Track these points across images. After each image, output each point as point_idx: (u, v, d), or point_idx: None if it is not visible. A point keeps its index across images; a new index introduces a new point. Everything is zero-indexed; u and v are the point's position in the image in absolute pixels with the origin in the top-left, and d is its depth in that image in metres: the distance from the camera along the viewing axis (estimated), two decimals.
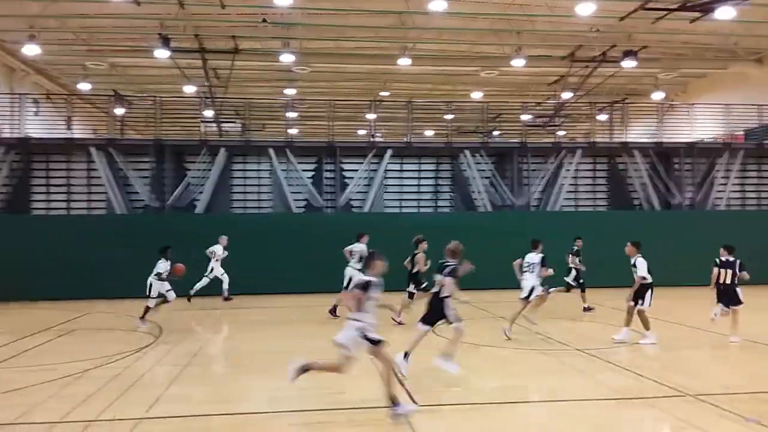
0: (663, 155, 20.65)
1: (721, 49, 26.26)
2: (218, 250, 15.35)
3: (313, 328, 11.11)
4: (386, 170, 19.58)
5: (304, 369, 6.02)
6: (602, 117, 26.38)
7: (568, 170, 20.11)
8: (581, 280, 13.97)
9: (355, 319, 5.83)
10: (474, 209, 19.52)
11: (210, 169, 18.78)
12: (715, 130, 23.10)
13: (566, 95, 27.20)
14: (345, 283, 12.25)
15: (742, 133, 23.00)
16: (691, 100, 27.10)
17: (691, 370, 7.77)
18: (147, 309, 11.65)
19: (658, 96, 30.08)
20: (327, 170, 19.58)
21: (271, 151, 19.02)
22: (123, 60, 25.41)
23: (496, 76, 28.45)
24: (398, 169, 20.08)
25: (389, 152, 19.46)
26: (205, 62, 22.34)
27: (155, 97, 21.08)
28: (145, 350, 9.40)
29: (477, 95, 30.95)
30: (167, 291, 11.73)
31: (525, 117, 25.67)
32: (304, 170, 19.39)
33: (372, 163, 19.50)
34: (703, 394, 6.49)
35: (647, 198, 20.19)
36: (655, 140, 21.71)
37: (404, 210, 19.80)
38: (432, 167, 20.39)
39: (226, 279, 15.46)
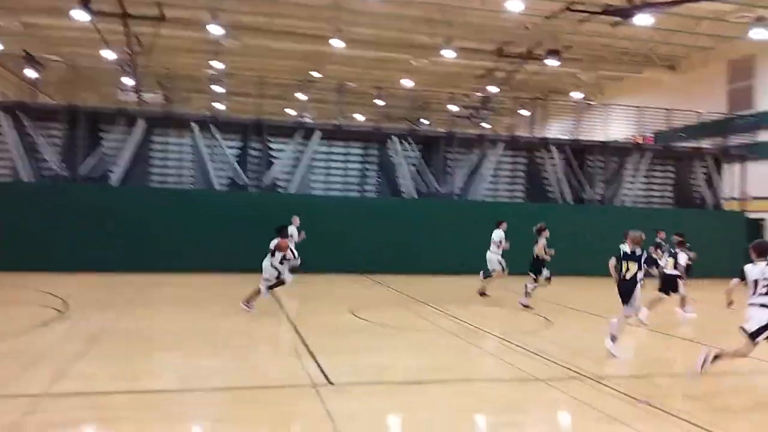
0: (578, 152, 21.65)
1: (637, 54, 27.74)
2: None
3: (226, 307, 10.96)
4: (314, 152, 19.51)
5: (716, 357, 6.18)
6: (524, 112, 27.30)
7: (490, 162, 20.74)
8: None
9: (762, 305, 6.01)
10: (399, 195, 19.84)
11: (127, 140, 18.05)
12: (627, 131, 24.39)
13: (493, 89, 27.96)
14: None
15: (651, 134, 24.43)
16: (607, 101, 28.48)
17: (596, 356, 8.22)
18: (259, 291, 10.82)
19: (577, 95, 31.44)
20: (253, 148, 19.25)
21: (195, 125, 18.48)
22: (38, 20, 23.86)
23: (427, 65, 28.81)
24: (326, 151, 20.02)
25: (318, 134, 19.39)
26: (128, 28, 21.34)
27: (71, 61, 19.96)
28: (52, 325, 9.00)
29: (407, 83, 31.26)
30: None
31: (453, 107, 26.19)
32: (229, 147, 18.98)
33: (300, 143, 19.36)
34: (604, 377, 6.91)
35: (561, 192, 21.14)
36: (571, 137, 22.70)
37: (330, 193, 19.81)
38: (360, 151, 20.46)
39: None
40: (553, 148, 21.22)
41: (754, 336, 6.23)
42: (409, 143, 20.19)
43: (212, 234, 16.94)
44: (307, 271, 14.80)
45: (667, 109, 23.58)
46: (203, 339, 8.57)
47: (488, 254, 14.03)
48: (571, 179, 21.36)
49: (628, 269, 8.16)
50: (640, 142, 22.39)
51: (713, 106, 24.98)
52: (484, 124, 29.49)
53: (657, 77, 29.23)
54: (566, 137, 23.10)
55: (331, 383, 6.25)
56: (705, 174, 22.69)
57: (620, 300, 8.28)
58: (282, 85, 26.55)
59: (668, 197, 22.64)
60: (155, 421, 5.22)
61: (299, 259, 14.62)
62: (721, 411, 5.90)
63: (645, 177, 22.18)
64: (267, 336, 9.38)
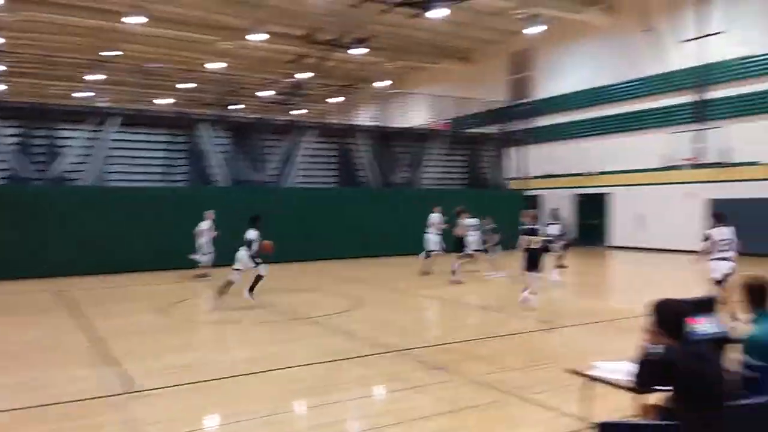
0: (384, 138, 22.93)
1: (434, 45, 29.90)
2: None
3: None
4: (112, 139, 18.14)
5: None
6: (335, 99, 28.06)
7: (303, 148, 21.12)
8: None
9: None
10: (211, 183, 19.37)
11: None
12: (427, 118, 26.33)
13: (304, 75, 28.27)
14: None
15: (447, 121, 26.67)
16: (409, 89, 30.39)
17: (400, 330, 9.00)
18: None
19: (382, 83, 33.03)
20: (36, 136, 17.33)
21: None
22: None
23: (235, 48, 28.19)
24: (126, 138, 18.72)
25: (116, 119, 18.08)
26: None
27: None
28: None
29: (216, 66, 30.29)
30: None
31: (265, 93, 26.03)
32: (6, 135, 16.91)
33: (94, 130, 17.88)
34: (406, 349, 7.56)
35: (371, 176, 22.29)
36: (378, 124, 23.94)
37: (134, 184, 18.64)
38: (165, 138, 19.51)
39: None
40: (362, 134, 22.23)
41: (719, 282, 8.81)
42: (220, 129, 19.78)
43: None
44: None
45: (459, 98, 25.86)
46: None
47: (428, 236, 15.19)
48: (379, 164, 22.59)
49: (530, 241, 10.38)
50: (437, 128, 24.31)
51: (498, 95, 28.00)
52: (296, 111, 29.78)
53: (451, 67, 31.85)
54: (374, 124, 24.30)
55: (135, 390, 5.97)
56: (492, 157, 25.45)
57: (528, 267, 10.41)
58: (70, 65, 24.21)
59: (462, 178, 24.99)
60: None
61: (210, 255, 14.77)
62: (504, 369, 6.77)
63: (442, 160, 24.22)
64: (64, 344, 8.49)
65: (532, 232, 10.66)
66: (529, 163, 26.04)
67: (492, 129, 25.86)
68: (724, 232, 9.52)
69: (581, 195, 25.70)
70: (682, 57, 17.60)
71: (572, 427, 4.70)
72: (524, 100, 27.86)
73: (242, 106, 26.51)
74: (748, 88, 19.86)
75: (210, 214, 15.15)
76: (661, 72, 19.43)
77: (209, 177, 19.39)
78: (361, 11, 23.24)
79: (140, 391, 5.97)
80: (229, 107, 25.34)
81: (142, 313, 10.50)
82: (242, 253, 10.78)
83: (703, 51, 17.10)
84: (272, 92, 27.65)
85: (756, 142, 19.41)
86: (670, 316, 3.43)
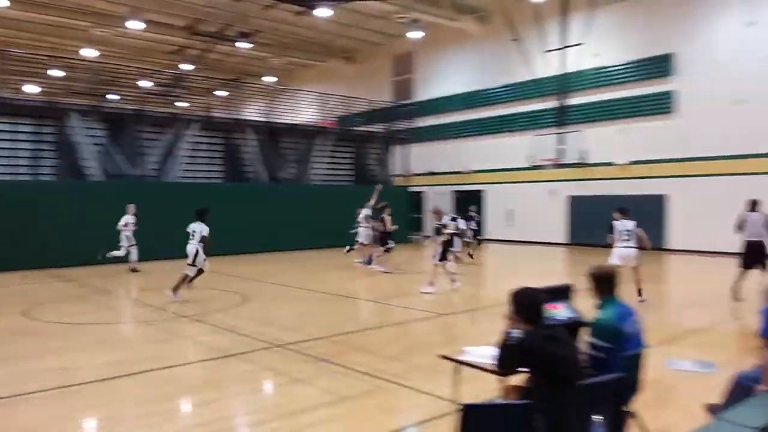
0: (271, 134, 22.74)
1: (320, 44, 30.01)
2: None
3: None
4: None
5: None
6: (220, 93, 27.36)
7: (186, 142, 20.43)
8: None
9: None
10: (84, 177, 18.22)
11: None
12: (314, 115, 26.43)
13: (186, 67, 27.29)
14: None
15: (334, 119, 26.91)
16: (297, 86, 30.28)
17: (285, 324, 9.06)
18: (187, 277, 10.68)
19: (269, 79, 32.65)
20: None
21: None
22: None
23: (111, 36, 26.66)
24: None
25: None
26: None
27: None
28: None
29: (90, 53, 28.42)
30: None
31: (144, 84, 24.82)
32: None
33: None
34: (290, 343, 7.63)
35: (258, 171, 22.01)
36: (265, 119, 23.67)
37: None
38: (31, 129, 18.09)
39: None
40: (249, 129, 21.88)
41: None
42: (93, 120, 18.66)
43: None
44: None
45: (345, 96, 26.20)
46: None
47: (359, 229, 16.06)
48: (266, 160, 22.36)
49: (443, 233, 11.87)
50: (325, 125, 24.49)
51: (383, 95, 28.72)
52: (179, 103, 28.63)
53: (337, 67, 32.12)
54: (261, 119, 23.98)
55: None
56: (377, 154, 26.03)
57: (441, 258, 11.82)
58: None
59: (349, 175, 25.34)
60: None
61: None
62: (384, 358, 7.08)
63: (329, 157, 24.43)
64: None
65: (443, 227, 12.18)
66: (413, 161, 26.95)
67: (378, 128, 26.44)
68: (627, 225, 10.75)
69: (459, 192, 26.98)
70: (546, 66, 19.07)
71: (445, 410, 5.00)
72: (407, 101, 28.75)
73: (118, 97, 25.04)
74: (602, 96, 21.92)
75: (131, 207, 15.50)
76: (529, 79, 20.91)
77: (81, 170, 18.24)
78: (245, 5, 22.85)
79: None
80: (107, 97, 23.86)
81: (3, 315, 9.75)
82: (192, 247, 10.73)
83: (565, 61, 18.66)
84: (153, 83, 26.39)
85: (609, 144, 21.46)
86: (526, 303, 3.80)
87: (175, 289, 10.80)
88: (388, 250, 15.37)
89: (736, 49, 18.85)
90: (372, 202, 16.60)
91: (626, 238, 10.68)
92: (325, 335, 8.27)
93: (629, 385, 4.00)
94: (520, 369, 3.92)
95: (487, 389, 4.55)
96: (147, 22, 24.13)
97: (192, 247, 10.80)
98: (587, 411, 3.37)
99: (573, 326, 4.74)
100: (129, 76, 24.35)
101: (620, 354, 3.99)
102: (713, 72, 19.34)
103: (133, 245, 15.43)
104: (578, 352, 3.95)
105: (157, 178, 19.77)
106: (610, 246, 10.90)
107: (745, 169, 18.55)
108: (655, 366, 6.32)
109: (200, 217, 10.97)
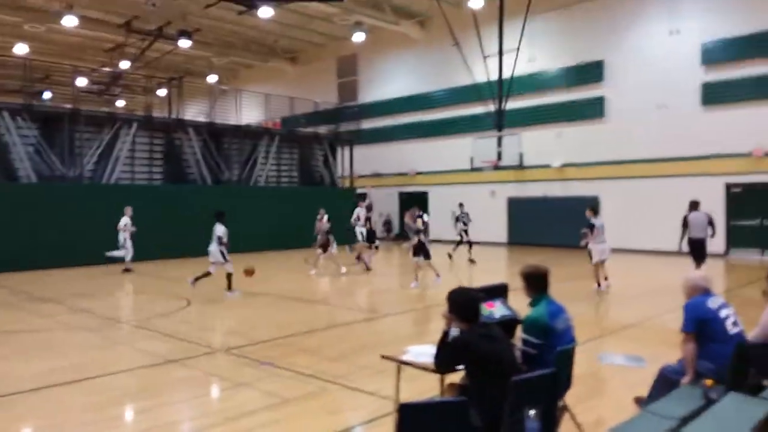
0: (215, 134, 22.37)
1: (263, 44, 29.71)
2: None
3: None
4: None
5: None
6: (161, 92, 26.70)
7: (125, 142, 19.86)
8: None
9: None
10: (15, 180, 17.45)
11: None
12: (259, 116, 26.18)
13: (124, 65, 26.50)
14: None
15: (279, 120, 26.71)
16: (240, 86, 29.86)
17: (227, 328, 8.99)
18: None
19: (212, 79, 32.08)
20: None
21: None
22: None
23: (45, 32, 25.63)
24: None
25: None
26: None
27: None
28: None
29: (22, 50, 27.16)
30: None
31: (80, 82, 23.92)
32: None
33: None
34: (233, 347, 7.59)
35: (200, 173, 21.61)
36: (208, 120, 23.26)
37: None
38: None
39: None
40: (191, 130, 21.46)
41: (599, 263, 11.71)
42: (25, 120, 17.90)
43: None
44: None
45: (290, 97, 26.05)
46: None
47: (356, 228, 16.72)
48: (210, 161, 21.98)
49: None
50: (269, 126, 24.27)
51: (327, 96, 28.70)
52: (118, 102, 27.80)
53: (281, 67, 31.88)
54: (203, 119, 23.55)
55: None
56: (323, 156, 26.00)
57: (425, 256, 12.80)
58: None
59: (295, 176, 25.21)
60: None
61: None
62: (329, 360, 7.12)
63: (275, 159, 24.25)
64: None
65: (425, 227, 13.36)
66: (358, 162, 27.04)
67: (323, 129, 26.41)
68: (601, 221, 12.02)
69: (404, 193, 27.26)
70: (486, 71, 19.55)
71: (388, 409, 5.08)
72: (352, 103, 28.82)
73: (50, 95, 24.05)
74: (538, 101, 22.63)
75: (128, 209, 16.02)
76: (469, 83, 21.40)
77: (12, 173, 17.47)
78: (185, 3, 22.40)
79: None
80: (40, 95, 22.94)
81: None
82: (214, 248, 11.64)
83: (502, 66, 19.19)
84: (89, 82, 25.45)
85: (546, 147, 22.17)
86: (461, 303, 3.94)
87: (229, 287, 11.74)
88: (377, 248, 16.60)
89: (660, 56, 19.80)
90: (367, 202, 17.22)
91: (603, 233, 11.85)
92: (270, 338, 8.25)
93: (562, 379, 4.20)
94: (457, 367, 4.07)
95: (430, 387, 4.65)
96: (82, 18, 23.29)
97: (214, 247, 11.71)
98: (521, 406, 3.52)
99: (508, 324, 4.94)
100: (64, 74, 23.45)
101: (552, 350, 4.17)
102: (639, 78, 20.28)
103: (128, 246, 15.92)
104: (512, 349, 4.11)
105: (93, 180, 19.14)
106: (584, 246, 12.17)
107: (670, 171, 19.54)
108: (588, 360, 6.68)
109: (219, 218, 11.79)
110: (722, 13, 18.63)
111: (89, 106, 23.40)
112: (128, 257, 15.97)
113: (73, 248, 16.96)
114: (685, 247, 12.35)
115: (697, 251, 12.19)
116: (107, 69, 27.58)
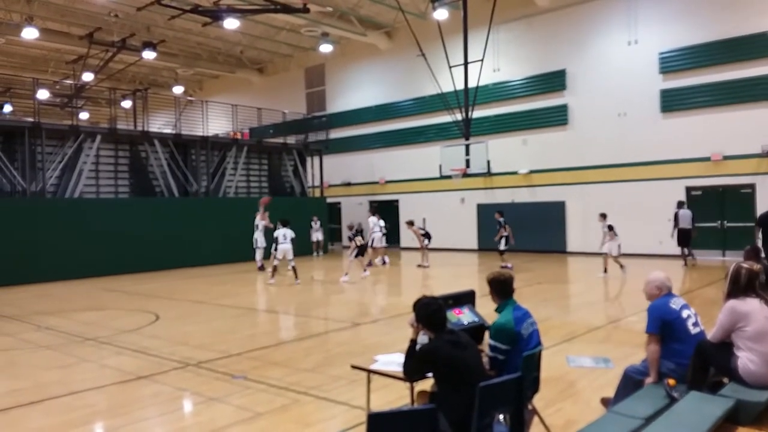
0: (182, 146, 22.13)
1: (229, 55, 29.55)
2: None
3: None
4: None
5: None
6: (125, 104, 26.32)
7: (88, 155, 19.50)
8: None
9: None
10: None
11: None
12: (226, 127, 25.99)
13: (88, 77, 26.06)
14: None
15: (247, 130, 26.57)
16: (206, 97, 29.62)
17: (198, 342, 8.84)
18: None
19: (177, 90, 31.74)
20: None
21: None
22: None
23: (4, 44, 25.10)
24: None
25: None
26: None
27: None
28: None
29: None
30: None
31: (42, 95, 23.39)
32: None
33: None
34: (204, 362, 7.50)
35: (167, 185, 21.33)
36: (174, 131, 22.99)
37: None
38: None
39: None
40: (157, 142, 21.19)
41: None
42: None
43: None
44: None
45: (258, 108, 25.95)
46: None
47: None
48: (177, 172, 21.72)
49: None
50: (238, 137, 24.11)
51: (296, 106, 28.69)
52: (81, 115, 27.27)
53: (248, 78, 31.75)
54: (169, 131, 23.26)
55: None
56: (292, 166, 25.93)
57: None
58: None
59: (264, 187, 25.07)
60: None
61: None
62: (301, 371, 7.08)
63: (243, 169, 24.08)
64: None
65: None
66: (328, 172, 27.04)
67: (291, 139, 26.35)
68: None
69: (374, 202, 27.30)
70: (451, 80, 19.81)
71: (360, 419, 5.08)
72: (321, 113, 28.84)
73: (10, 108, 23.47)
74: (503, 109, 23.02)
75: None
76: (436, 93, 21.60)
77: None
78: (148, 15, 22.15)
79: None
80: (2, 110, 22.40)
81: None
82: (287, 246, 14.75)
83: (468, 76, 19.49)
84: (51, 94, 24.91)
85: (512, 154, 22.52)
86: (426, 311, 4.00)
87: (296, 276, 14.79)
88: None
89: (620, 65, 20.35)
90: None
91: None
92: (241, 351, 8.17)
93: (529, 383, 4.28)
94: (426, 374, 4.11)
95: (402, 396, 4.72)
96: (43, 30, 22.86)
97: (288, 246, 14.76)
98: (490, 410, 3.58)
99: (476, 330, 5.02)
100: (25, 87, 22.94)
101: (520, 354, 4.26)
102: (600, 86, 20.80)
103: None
104: (480, 355, 4.18)
105: (56, 195, 18.75)
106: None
107: (632, 176, 20.06)
108: (557, 363, 6.79)
109: (286, 224, 14.98)
110: (679, 23, 19.23)
111: (52, 119, 22.95)
112: None
113: (36, 264, 16.56)
114: (676, 235, 16.61)
115: (685, 238, 16.56)
116: (70, 81, 27.06)
